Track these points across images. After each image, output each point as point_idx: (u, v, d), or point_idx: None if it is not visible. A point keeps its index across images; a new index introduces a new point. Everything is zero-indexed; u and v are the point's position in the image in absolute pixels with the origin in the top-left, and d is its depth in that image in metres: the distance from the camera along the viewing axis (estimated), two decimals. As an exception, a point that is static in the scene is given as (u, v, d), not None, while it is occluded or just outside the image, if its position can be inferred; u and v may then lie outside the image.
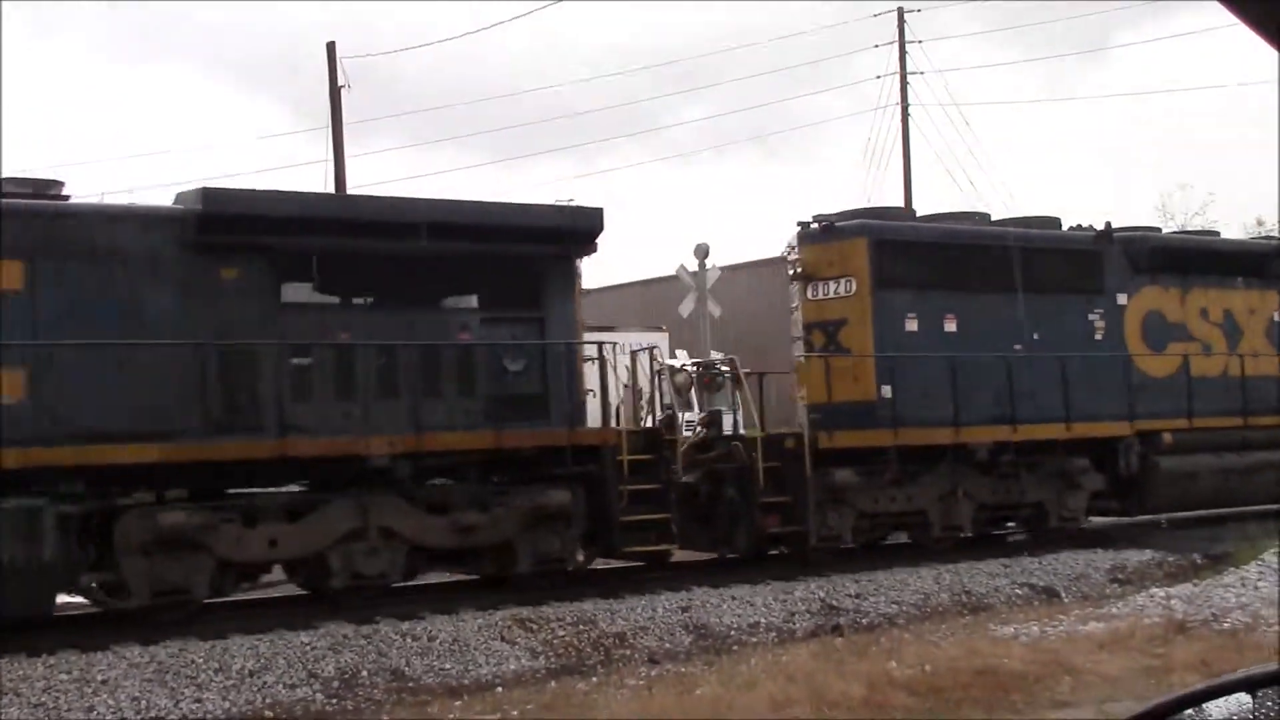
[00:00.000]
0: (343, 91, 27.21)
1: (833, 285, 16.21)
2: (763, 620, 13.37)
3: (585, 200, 13.58)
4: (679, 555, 15.37)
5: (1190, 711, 1.61)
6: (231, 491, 12.72)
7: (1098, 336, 17.61)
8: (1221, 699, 1.57)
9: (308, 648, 11.53)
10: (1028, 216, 18.29)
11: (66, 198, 12.75)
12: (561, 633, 12.48)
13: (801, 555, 15.39)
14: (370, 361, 13.10)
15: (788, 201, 69.94)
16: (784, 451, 15.20)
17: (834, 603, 14.00)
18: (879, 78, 32.78)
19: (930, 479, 16.23)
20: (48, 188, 12.69)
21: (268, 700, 10.68)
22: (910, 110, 32.16)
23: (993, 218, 18.16)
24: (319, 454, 12.78)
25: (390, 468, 13.01)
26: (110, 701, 10.25)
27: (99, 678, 10.51)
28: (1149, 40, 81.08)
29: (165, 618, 12.02)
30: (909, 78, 32.15)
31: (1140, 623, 10.91)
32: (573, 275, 14.62)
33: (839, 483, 15.42)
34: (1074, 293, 17.57)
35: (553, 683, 11.00)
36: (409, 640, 11.95)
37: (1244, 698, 1.56)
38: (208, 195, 12.85)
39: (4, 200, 12.02)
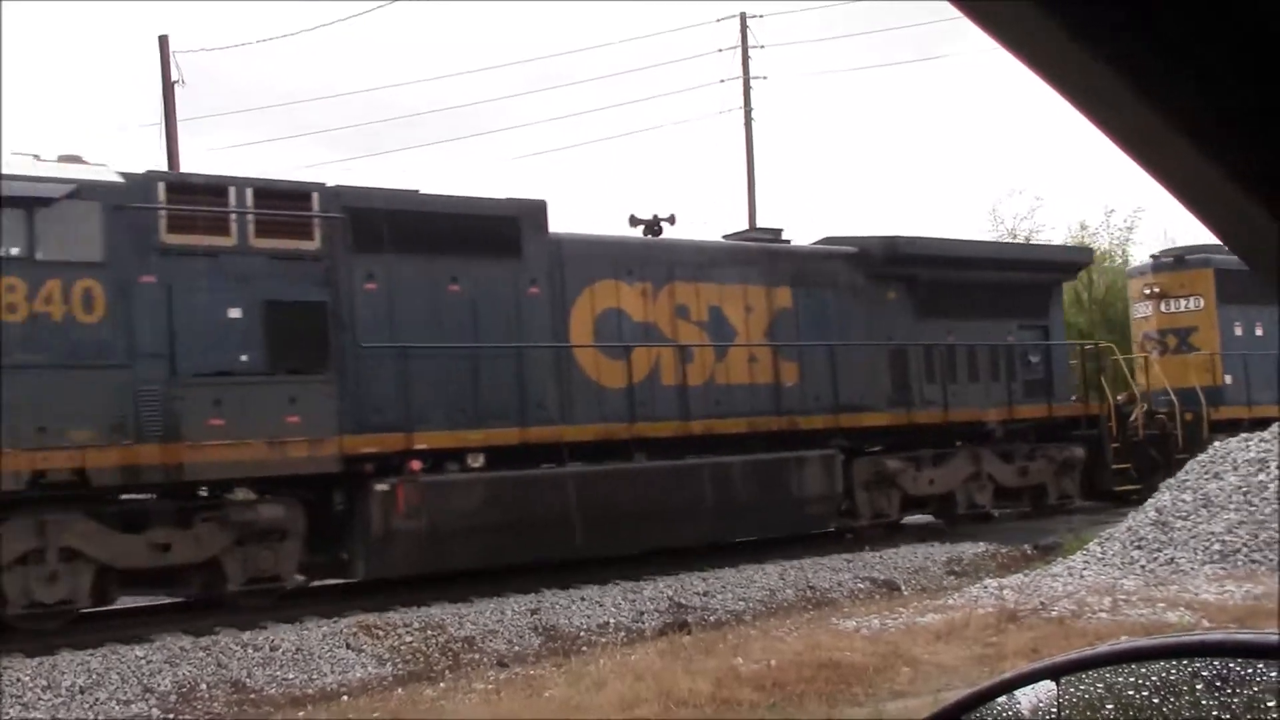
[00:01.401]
0: (176, 86, 26.39)
1: (1184, 302, 22.33)
2: (612, 620, 13.42)
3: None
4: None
5: (1002, 699, 1.68)
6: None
7: None
8: (1029, 686, 1.64)
9: (143, 661, 11.15)
10: None
11: (788, 240, 18.51)
12: (409, 638, 12.33)
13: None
14: (965, 356, 18.78)
15: (645, 201, 70.35)
16: (1183, 421, 20.75)
17: (682, 601, 14.14)
18: (723, 81, 33.29)
19: None
20: (778, 234, 18.70)
21: (100, 717, 10.29)
22: (754, 114, 32.65)
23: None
24: (966, 420, 18.58)
25: (992, 430, 18.88)
26: (-72, 724, 9.76)
27: (-85, 700, 10.00)
28: (981, 49, 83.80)
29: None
30: (752, 82, 32.63)
31: (975, 613, 11.24)
32: (1062, 293, 21.06)
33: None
34: None
35: (400, 689, 10.86)
36: (250, 651, 11.65)
37: (1049, 685, 1.63)
38: (888, 242, 18.42)
39: (774, 244, 18.08)
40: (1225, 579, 11.80)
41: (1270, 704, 1.48)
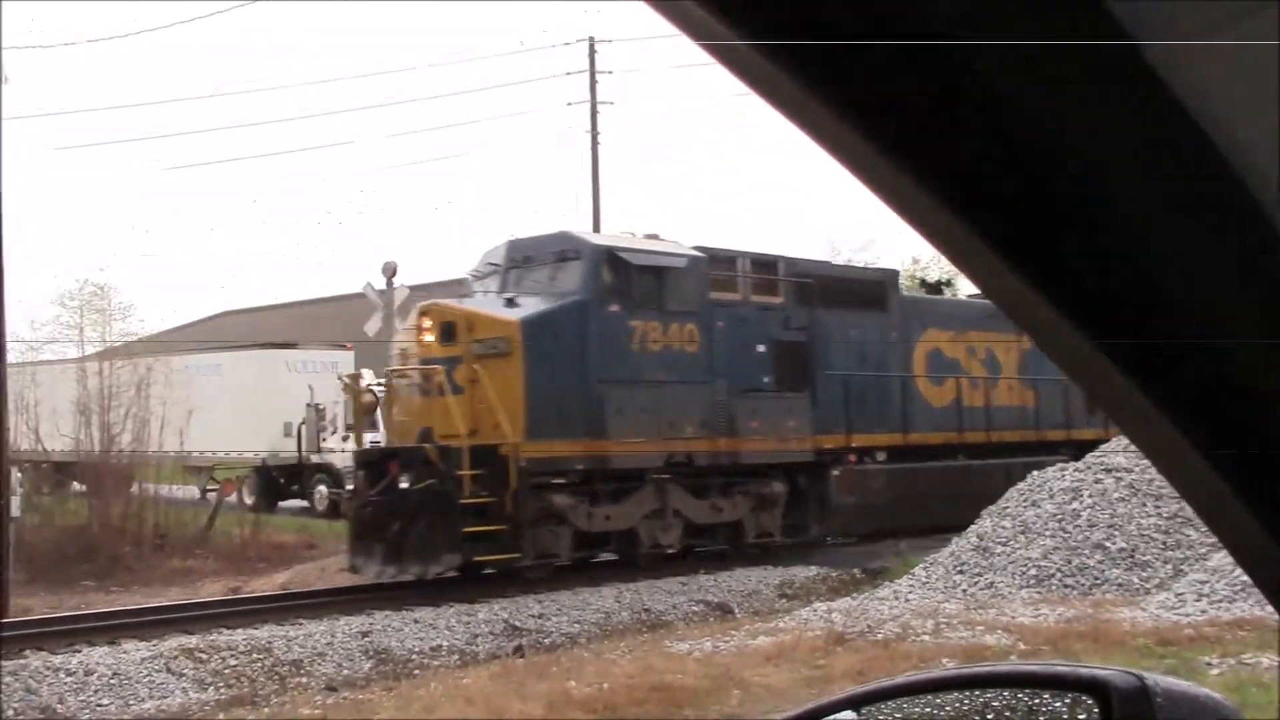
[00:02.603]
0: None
1: None
2: (445, 643, 13.27)
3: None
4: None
5: (807, 728, 1.72)
6: None
7: None
8: (831, 716, 1.69)
9: (-57, 687, 10.57)
10: None
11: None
12: (234, 662, 11.98)
13: None
14: None
15: (481, 222, 70.15)
16: None
17: (517, 623, 14.06)
18: (570, 105, 33.44)
19: None
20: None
21: (-107, 747, 9.73)
22: (600, 138, 32.96)
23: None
24: None
25: None
26: None
27: None
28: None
29: None
30: (599, 107, 32.87)
31: (804, 635, 11.46)
32: None
33: None
34: None
35: (221, 715, 10.54)
36: (62, 675, 11.16)
37: (850, 715, 1.68)
38: None
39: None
40: (1040, 603, 12.29)
41: (1053, 732, 1.55)
